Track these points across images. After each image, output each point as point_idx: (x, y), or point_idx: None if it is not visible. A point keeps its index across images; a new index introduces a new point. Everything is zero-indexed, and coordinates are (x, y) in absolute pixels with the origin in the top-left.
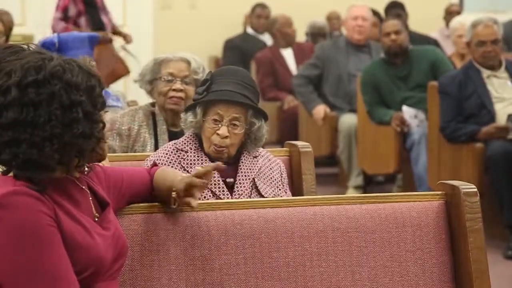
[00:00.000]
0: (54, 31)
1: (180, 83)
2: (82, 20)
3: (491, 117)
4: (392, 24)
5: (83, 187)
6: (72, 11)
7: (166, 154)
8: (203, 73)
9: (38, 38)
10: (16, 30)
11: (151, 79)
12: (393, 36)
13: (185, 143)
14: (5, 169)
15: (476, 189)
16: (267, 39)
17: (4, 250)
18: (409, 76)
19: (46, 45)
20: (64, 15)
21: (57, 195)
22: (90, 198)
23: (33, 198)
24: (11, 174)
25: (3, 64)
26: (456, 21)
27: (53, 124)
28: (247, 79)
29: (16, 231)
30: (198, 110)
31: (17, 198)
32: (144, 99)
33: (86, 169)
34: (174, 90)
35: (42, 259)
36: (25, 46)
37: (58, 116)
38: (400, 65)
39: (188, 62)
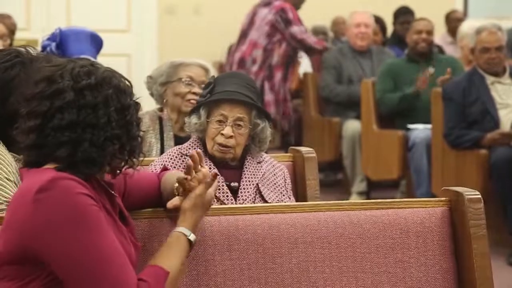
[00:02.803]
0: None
1: (198, 88)
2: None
3: (495, 123)
4: (425, 23)
5: (113, 191)
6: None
7: (171, 159)
8: None
9: None
10: (20, 35)
11: (165, 82)
12: (424, 35)
13: (189, 148)
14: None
15: (480, 196)
16: None
17: (52, 233)
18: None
19: (51, 39)
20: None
21: (96, 193)
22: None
23: (78, 182)
24: (49, 166)
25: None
26: (464, 26)
27: (113, 126)
28: (250, 81)
29: (62, 213)
30: (202, 112)
31: (62, 182)
32: (147, 106)
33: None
34: (193, 93)
35: (92, 241)
36: (23, 49)
37: (115, 118)
38: (423, 65)
39: (206, 69)
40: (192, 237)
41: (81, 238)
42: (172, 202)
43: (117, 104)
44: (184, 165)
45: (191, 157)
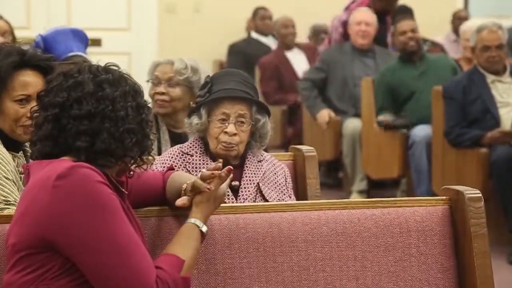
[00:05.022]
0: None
1: (163, 86)
2: None
3: (496, 122)
4: (408, 23)
5: (123, 190)
6: None
7: (172, 158)
8: (194, 73)
9: None
10: (20, 33)
11: (148, 81)
12: (410, 34)
13: (190, 147)
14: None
15: (480, 194)
16: (271, 42)
17: (72, 220)
18: (427, 72)
19: (36, 46)
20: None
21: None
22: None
23: (95, 171)
24: (67, 158)
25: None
26: (465, 25)
27: (130, 120)
28: (246, 78)
29: (82, 200)
30: (203, 111)
31: (82, 170)
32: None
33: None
34: (157, 93)
35: (112, 229)
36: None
37: (132, 114)
38: (418, 62)
39: (172, 63)
40: (204, 228)
41: (101, 225)
42: (182, 200)
43: (133, 101)
44: (185, 164)
45: (216, 168)
